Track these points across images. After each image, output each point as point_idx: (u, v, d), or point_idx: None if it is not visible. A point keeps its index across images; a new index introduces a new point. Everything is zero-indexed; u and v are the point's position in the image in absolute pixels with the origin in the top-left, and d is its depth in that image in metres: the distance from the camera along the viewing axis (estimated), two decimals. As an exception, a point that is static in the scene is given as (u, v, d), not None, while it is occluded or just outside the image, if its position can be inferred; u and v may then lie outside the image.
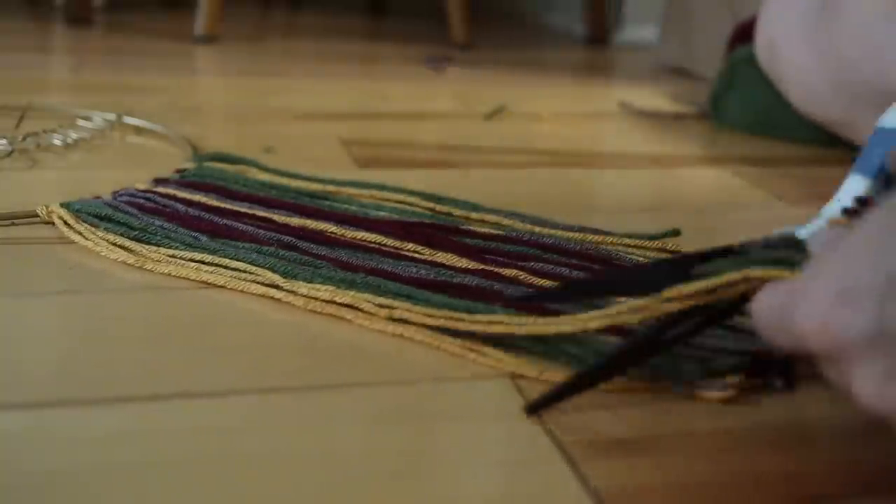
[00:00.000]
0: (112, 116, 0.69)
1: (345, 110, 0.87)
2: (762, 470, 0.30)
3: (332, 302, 0.39)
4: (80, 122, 0.67)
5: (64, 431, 0.30)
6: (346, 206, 0.51)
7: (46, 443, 0.29)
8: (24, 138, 0.61)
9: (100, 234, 0.44)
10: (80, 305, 0.39)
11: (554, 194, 0.57)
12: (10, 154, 0.59)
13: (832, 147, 0.78)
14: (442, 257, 0.44)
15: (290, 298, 0.39)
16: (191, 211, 0.48)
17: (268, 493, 0.27)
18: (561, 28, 1.78)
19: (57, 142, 0.63)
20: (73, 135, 0.64)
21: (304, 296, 0.39)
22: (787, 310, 0.28)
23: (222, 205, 0.49)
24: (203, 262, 0.42)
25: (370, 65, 1.27)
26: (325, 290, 0.39)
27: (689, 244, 0.49)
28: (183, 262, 0.42)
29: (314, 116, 0.82)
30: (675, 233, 0.49)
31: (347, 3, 1.94)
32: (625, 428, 0.32)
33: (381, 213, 0.50)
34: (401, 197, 0.53)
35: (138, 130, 0.68)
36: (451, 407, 0.33)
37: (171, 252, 0.43)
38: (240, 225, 0.46)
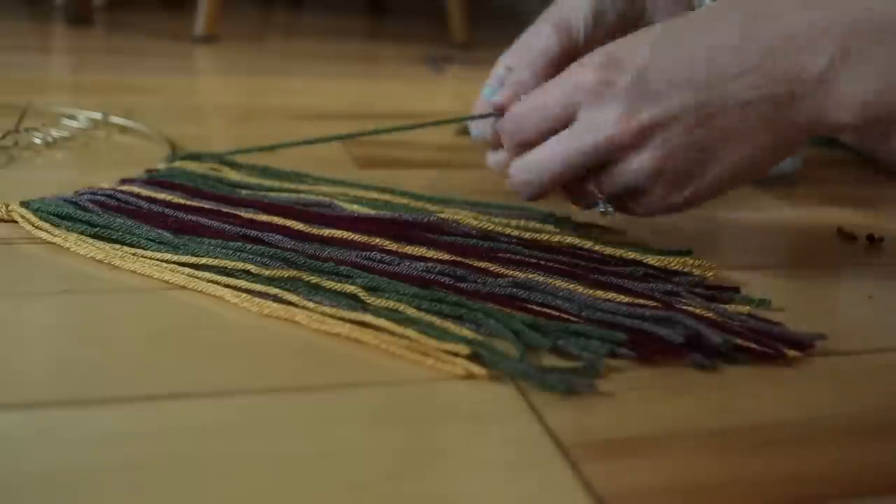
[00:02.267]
0: (98, 115, 0.69)
1: (345, 110, 0.87)
2: (762, 470, 0.30)
3: (281, 301, 0.39)
4: (65, 121, 0.67)
5: (64, 431, 0.30)
6: (316, 207, 0.51)
7: (46, 443, 0.29)
8: (3, 136, 0.60)
9: (61, 232, 0.44)
10: (74, 305, 0.39)
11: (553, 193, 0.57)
12: None
13: (832, 147, 0.78)
14: (410, 249, 0.44)
15: (245, 303, 0.39)
16: (154, 208, 0.48)
17: (267, 492, 0.27)
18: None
19: (37, 140, 0.62)
20: (55, 133, 0.64)
21: (258, 293, 0.39)
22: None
23: (188, 202, 0.49)
24: (164, 261, 0.42)
25: (370, 65, 1.27)
26: (274, 290, 0.39)
27: (688, 244, 0.49)
28: (146, 259, 0.42)
29: (314, 116, 0.82)
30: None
31: (347, 3, 1.94)
32: (625, 428, 0.32)
33: (355, 207, 0.50)
34: (374, 194, 0.53)
35: (123, 129, 0.68)
36: (450, 407, 0.33)
37: (133, 250, 0.43)
38: (205, 220, 0.46)
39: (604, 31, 0.53)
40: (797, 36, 0.40)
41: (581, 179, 0.45)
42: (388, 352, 0.36)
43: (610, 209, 0.46)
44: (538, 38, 0.54)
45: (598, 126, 0.43)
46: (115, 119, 0.69)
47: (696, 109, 0.41)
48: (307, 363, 0.35)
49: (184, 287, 0.40)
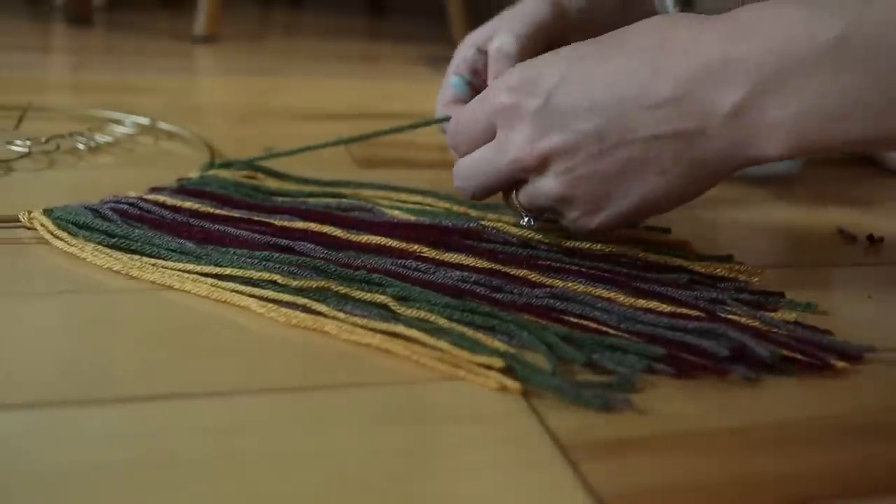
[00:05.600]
0: (145, 120, 0.69)
1: (345, 110, 0.87)
2: (762, 470, 0.30)
3: (310, 311, 0.38)
4: (112, 126, 0.67)
5: (64, 431, 0.30)
6: (358, 212, 0.50)
7: (46, 443, 0.29)
8: (46, 140, 0.60)
9: (78, 241, 0.43)
10: (76, 306, 0.39)
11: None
12: (27, 155, 0.59)
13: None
14: (449, 257, 0.44)
15: (272, 313, 0.38)
16: (178, 217, 0.47)
17: (268, 493, 0.27)
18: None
19: (80, 145, 0.62)
20: (99, 138, 0.64)
21: (285, 304, 0.39)
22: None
23: (216, 211, 0.48)
24: (185, 271, 0.41)
25: (370, 65, 1.27)
26: (302, 300, 0.39)
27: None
28: (166, 269, 0.41)
29: (314, 116, 0.82)
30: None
31: (347, 2, 1.94)
32: (625, 428, 0.32)
33: (395, 213, 0.50)
34: (418, 198, 0.53)
35: (171, 136, 0.68)
36: (450, 407, 0.33)
37: (152, 260, 0.42)
38: (233, 230, 0.45)
39: (598, 14, 0.54)
40: (710, 71, 0.38)
41: (505, 190, 0.46)
42: (392, 353, 0.36)
43: (531, 222, 0.47)
44: (528, 9, 0.55)
45: (507, 147, 0.43)
46: (162, 125, 0.68)
47: (597, 140, 0.40)
48: (307, 363, 0.35)
49: (177, 289, 0.40)
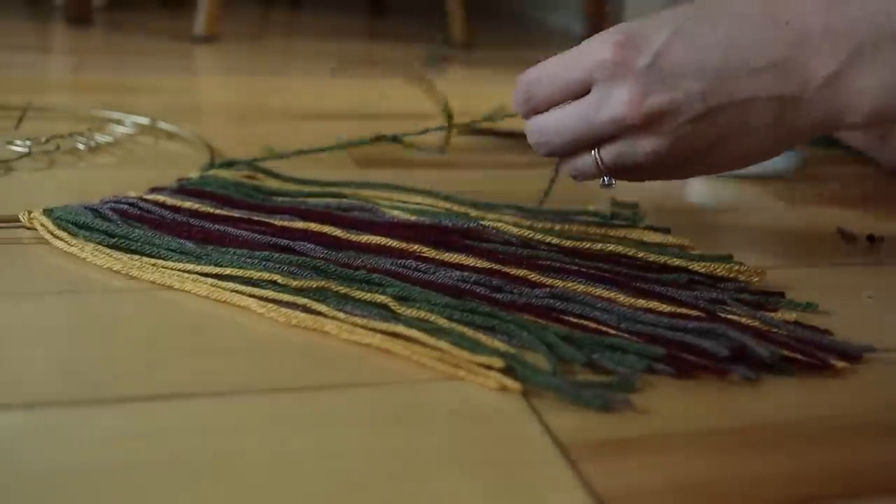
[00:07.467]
0: (144, 120, 0.69)
1: (345, 110, 0.87)
2: (761, 470, 0.30)
3: (310, 311, 0.38)
4: (112, 126, 0.67)
5: (64, 431, 0.30)
6: (358, 212, 0.50)
7: (46, 443, 0.29)
8: (46, 140, 0.60)
9: (78, 241, 0.43)
10: (76, 306, 0.39)
11: (554, 193, 0.57)
12: (27, 155, 0.59)
13: (832, 148, 0.78)
14: (449, 257, 0.44)
15: (272, 313, 0.38)
16: (178, 217, 0.47)
17: (268, 492, 0.27)
18: (560, 27, 1.78)
19: (80, 145, 0.62)
20: (99, 138, 0.64)
21: (285, 304, 0.39)
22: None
23: (216, 211, 0.48)
24: (185, 271, 0.41)
25: (370, 65, 1.27)
26: (302, 300, 0.39)
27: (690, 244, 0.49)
28: (166, 269, 0.41)
29: (314, 116, 0.82)
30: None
31: (347, 3, 1.94)
32: (625, 428, 0.32)
33: (395, 213, 0.50)
34: (418, 198, 0.53)
35: (171, 136, 0.68)
36: (450, 407, 0.33)
37: (152, 260, 0.42)
38: (233, 230, 0.45)
39: None
40: (809, 42, 0.41)
41: (587, 147, 0.45)
42: (392, 353, 0.36)
43: (613, 182, 0.46)
44: None
45: (609, 104, 0.43)
46: (162, 125, 0.68)
47: (704, 100, 0.42)
48: (308, 363, 0.35)
49: (185, 290, 0.40)
